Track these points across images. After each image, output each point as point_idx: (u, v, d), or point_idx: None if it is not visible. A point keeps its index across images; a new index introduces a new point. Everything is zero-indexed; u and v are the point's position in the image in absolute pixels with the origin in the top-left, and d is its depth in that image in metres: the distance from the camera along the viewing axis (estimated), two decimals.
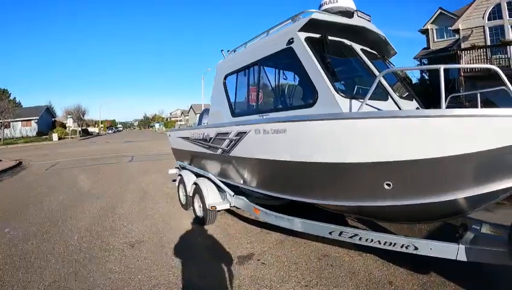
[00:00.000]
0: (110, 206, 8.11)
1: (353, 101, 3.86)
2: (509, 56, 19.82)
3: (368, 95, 3.48)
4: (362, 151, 3.47)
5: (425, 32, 30.42)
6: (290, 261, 4.67)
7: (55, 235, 6.03)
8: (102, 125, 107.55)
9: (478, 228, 4.02)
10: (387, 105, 4.21)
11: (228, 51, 6.55)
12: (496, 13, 20.96)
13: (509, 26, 20.53)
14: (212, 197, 6.08)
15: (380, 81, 4.07)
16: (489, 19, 21.25)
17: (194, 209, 6.76)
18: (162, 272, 4.44)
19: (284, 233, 5.52)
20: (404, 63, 32.64)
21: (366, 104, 3.60)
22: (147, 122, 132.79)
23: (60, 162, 18.70)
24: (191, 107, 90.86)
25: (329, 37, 4.40)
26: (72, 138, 56.76)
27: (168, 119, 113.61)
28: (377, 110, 3.83)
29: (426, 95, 15.70)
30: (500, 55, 20.24)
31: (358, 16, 4.84)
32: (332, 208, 4.52)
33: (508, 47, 20.00)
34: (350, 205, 4.02)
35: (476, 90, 4.65)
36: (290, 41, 4.44)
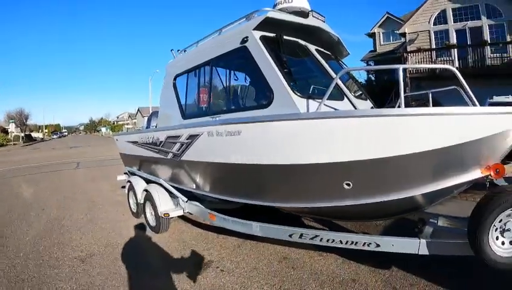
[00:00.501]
0: (56, 217, 7.52)
1: (310, 101, 3.78)
2: (452, 58, 20.92)
3: (327, 95, 3.42)
4: (322, 152, 3.42)
5: (372, 35, 31.52)
6: (250, 266, 4.53)
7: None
8: (46, 131, 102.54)
9: (435, 221, 4.12)
10: (343, 105, 4.19)
11: (178, 50, 6.27)
12: (442, 18, 22.03)
13: (453, 31, 21.63)
14: (165, 204, 5.79)
15: (337, 81, 4.06)
16: (434, 24, 22.31)
17: (146, 217, 6.42)
18: (117, 288, 4.13)
19: (241, 237, 5.35)
20: (351, 65, 33.58)
21: (324, 104, 3.53)
22: (93, 127, 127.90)
23: (2, 171, 17.41)
24: (138, 110, 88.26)
25: (284, 37, 4.32)
26: (15, 144, 53.54)
27: (115, 123, 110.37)
28: (334, 110, 3.79)
29: (372, 95, 16.22)
30: (445, 58, 21.33)
31: (313, 16, 4.79)
32: (291, 210, 4.43)
33: (452, 50, 21.14)
34: (310, 207, 3.96)
35: (420, 90, 4.80)
36: (244, 40, 4.28)
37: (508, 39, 19.52)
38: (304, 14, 4.72)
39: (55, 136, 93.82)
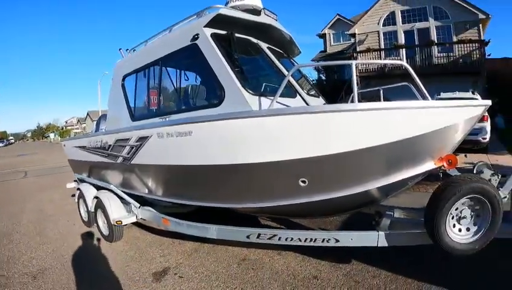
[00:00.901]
0: (4, 231, 6.99)
1: (262, 98, 3.72)
2: (401, 58, 21.85)
3: (279, 92, 3.37)
4: (276, 150, 3.37)
5: (323, 36, 32.31)
6: (209, 270, 4.41)
7: None
8: None
9: (391, 213, 4.20)
10: (296, 102, 4.16)
11: (127, 49, 5.99)
12: (391, 20, 23.00)
13: (402, 32, 22.62)
14: (117, 211, 5.52)
15: (289, 79, 4.02)
16: (383, 25, 23.23)
17: (98, 226, 6.09)
18: None
19: (198, 241, 5.21)
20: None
21: (276, 102, 3.48)
22: (40, 133, 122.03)
23: None
24: (87, 114, 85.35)
25: (236, 34, 4.23)
26: None
27: (64, 128, 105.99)
28: (285, 107, 3.75)
29: (323, 94, 16.65)
30: (393, 57, 22.30)
31: (266, 14, 4.74)
32: (248, 211, 4.35)
33: (400, 50, 22.15)
34: (267, 206, 3.90)
35: (370, 88, 4.92)
36: (195, 38, 4.15)
37: (454, 39, 20.66)
38: (256, 12, 4.66)
39: (1, 144, 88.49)
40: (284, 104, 3.75)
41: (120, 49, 6.14)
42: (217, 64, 3.91)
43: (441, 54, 20.91)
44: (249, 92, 3.70)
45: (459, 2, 20.58)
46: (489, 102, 3.20)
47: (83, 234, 6.38)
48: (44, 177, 15.24)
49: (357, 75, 22.52)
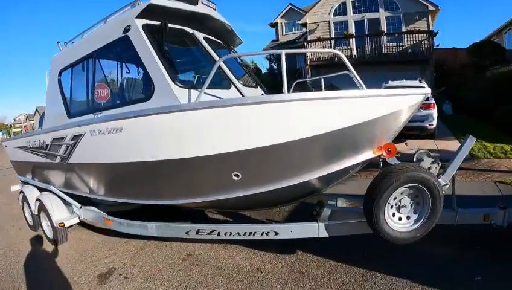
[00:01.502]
0: None
1: (192, 91, 3.64)
2: (351, 47, 22.48)
3: (206, 84, 3.29)
4: (202, 144, 3.33)
5: (275, 25, 32.32)
6: (154, 268, 4.34)
7: None
8: None
9: (334, 203, 4.27)
10: (230, 94, 4.11)
11: (65, 43, 5.68)
12: (341, 10, 23.43)
13: (352, 22, 23.13)
14: (59, 213, 5.32)
15: (222, 69, 3.96)
16: (334, 15, 23.64)
17: (42, 229, 5.86)
18: None
19: (144, 239, 5.11)
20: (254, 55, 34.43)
21: (206, 94, 3.44)
22: None
23: None
24: (36, 110, 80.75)
25: (171, 25, 4.12)
26: None
27: (12, 126, 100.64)
28: (217, 99, 3.70)
29: (275, 84, 16.76)
30: (343, 47, 22.78)
31: (203, 3, 4.65)
32: (187, 206, 4.31)
33: (350, 39, 22.68)
34: (202, 201, 3.88)
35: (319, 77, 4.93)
36: (127, 29, 4.01)
37: (404, 30, 21.39)
38: (193, 1, 4.55)
39: None
40: (217, 96, 3.71)
41: (58, 42, 5.80)
42: (147, 57, 3.80)
43: (391, 44, 21.60)
44: (178, 84, 3.62)
45: None
46: (428, 90, 3.25)
47: (28, 239, 6.12)
48: None
49: (306, 65, 22.95)
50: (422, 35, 20.69)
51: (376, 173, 3.40)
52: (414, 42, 20.85)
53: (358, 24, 23.08)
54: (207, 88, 3.33)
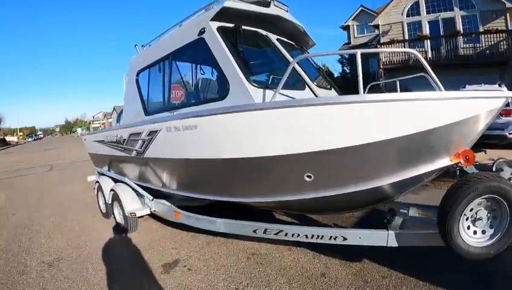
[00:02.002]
0: (26, 222, 7.29)
1: (267, 91, 3.67)
2: (426, 49, 21.22)
3: (281, 84, 3.29)
4: (277, 143, 3.31)
5: (346, 28, 31.64)
6: (218, 263, 4.41)
7: None
8: (21, 134, 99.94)
9: (406, 211, 4.10)
10: (304, 94, 4.10)
11: (142, 45, 6.11)
12: (415, 10, 22.36)
13: (426, 22, 21.97)
14: (131, 204, 5.65)
15: (296, 70, 3.96)
16: (407, 16, 22.64)
17: (114, 218, 6.27)
18: None
19: (211, 235, 5.22)
20: (326, 58, 33.90)
21: (281, 94, 3.44)
22: (68, 128, 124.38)
23: None
24: (113, 109, 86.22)
25: (244, 27, 4.21)
26: None
27: (91, 123, 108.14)
28: (291, 99, 3.69)
29: (348, 87, 16.40)
30: (418, 49, 21.42)
31: (275, 6, 4.70)
32: (256, 205, 4.35)
33: (424, 41, 21.45)
34: (273, 201, 3.88)
35: (393, 84, 4.76)
36: (202, 32, 4.17)
37: (481, 29, 19.90)
38: (265, 3, 4.62)
39: (30, 139, 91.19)
40: (291, 97, 3.70)
41: (136, 45, 6.26)
42: (222, 57, 3.91)
43: (467, 45, 20.13)
44: (253, 84, 3.67)
45: None
46: (510, 93, 2.99)
47: (100, 226, 6.56)
48: (68, 171, 15.70)
49: (380, 68, 22.15)
50: (501, 35, 19.11)
51: (451, 183, 3.20)
52: (492, 43, 19.28)
53: (433, 24, 21.92)
54: (281, 88, 3.33)
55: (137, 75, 5.84)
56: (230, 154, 3.69)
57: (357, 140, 2.97)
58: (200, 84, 5.03)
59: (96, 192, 7.44)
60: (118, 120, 7.37)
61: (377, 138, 2.92)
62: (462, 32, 20.51)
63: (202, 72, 5.13)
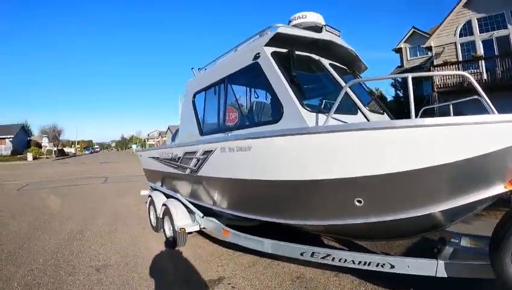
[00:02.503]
0: (79, 228, 7.75)
1: (320, 115, 3.74)
2: (480, 70, 20.20)
3: (334, 108, 3.34)
4: (329, 167, 3.34)
5: (399, 51, 31.10)
6: (263, 284, 4.44)
7: (21, 258, 5.70)
8: (78, 146, 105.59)
9: (457, 241, 3.97)
10: (356, 119, 4.09)
11: (199, 69, 6.42)
12: (467, 30, 21.48)
13: (480, 42, 21.00)
14: (182, 219, 5.84)
15: (348, 95, 3.98)
16: (460, 36, 21.78)
17: (164, 231, 6.49)
18: None
19: (257, 255, 5.26)
20: (379, 82, 33.43)
21: (334, 118, 3.49)
22: (124, 144, 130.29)
23: (33, 182, 18.06)
24: (168, 128, 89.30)
25: (297, 52, 4.30)
26: (48, 157, 55.47)
27: (146, 141, 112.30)
28: (343, 123, 3.71)
29: (401, 111, 16.00)
30: (472, 70, 20.51)
31: (327, 31, 4.78)
32: (306, 229, 4.36)
33: (479, 61, 20.44)
34: (321, 224, 3.86)
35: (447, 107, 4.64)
36: (257, 56, 4.34)
37: None
38: (317, 28, 4.74)
39: (86, 152, 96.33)
40: (344, 121, 3.73)
41: (192, 68, 6.59)
42: (276, 82, 4.02)
43: None
44: (306, 108, 3.74)
45: None
46: None
47: (149, 238, 6.82)
48: (122, 184, 16.47)
49: (434, 91, 21.44)
50: None
51: (505, 212, 3.07)
52: None
53: (487, 44, 20.84)
54: (334, 113, 3.38)
55: (194, 96, 6.10)
56: (283, 177, 3.75)
57: (408, 165, 2.93)
58: (254, 107, 5.17)
59: (148, 206, 7.76)
60: (173, 139, 7.70)
61: (427, 163, 2.86)
62: None
63: (256, 96, 5.28)
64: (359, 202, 3.33)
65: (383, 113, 5.11)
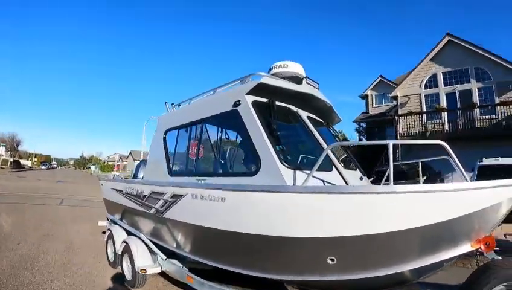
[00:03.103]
0: (31, 255, 7.25)
1: (297, 172, 3.74)
2: (443, 121, 21.46)
3: (315, 168, 3.41)
4: (305, 226, 3.36)
5: (365, 97, 32.49)
6: None
7: None
8: (36, 160, 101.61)
9: None
10: (332, 176, 4.15)
11: (172, 104, 6.29)
12: (432, 82, 22.83)
13: (444, 94, 22.30)
14: (143, 260, 5.56)
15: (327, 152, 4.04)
16: (425, 88, 23.08)
17: (122, 269, 6.14)
18: None
19: None
20: (343, 126, 34.60)
21: (312, 176, 3.51)
22: (83, 163, 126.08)
23: None
24: (130, 153, 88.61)
25: (277, 102, 4.33)
26: (2, 168, 52.86)
27: (106, 163, 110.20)
28: (322, 181, 3.78)
29: (364, 157, 16.42)
30: (435, 120, 21.87)
31: (307, 83, 4.87)
32: (273, 280, 4.28)
33: (441, 113, 21.70)
34: (293, 279, 3.84)
35: (412, 154, 4.87)
36: (237, 104, 4.30)
37: (497, 101, 20.06)
38: (298, 79, 4.80)
39: (43, 167, 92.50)
40: (320, 179, 3.77)
41: (166, 102, 6.45)
42: (255, 133, 3.99)
43: (484, 117, 20.23)
44: (284, 165, 3.74)
45: (501, 62, 20.22)
46: None
47: (105, 274, 6.46)
48: (78, 208, 15.71)
49: (397, 138, 22.15)
50: None
51: (469, 262, 3.18)
52: (508, 114, 19.26)
53: (450, 96, 22.22)
54: (309, 169, 3.44)
55: (166, 133, 5.95)
56: (257, 231, 3.70)
57: (381, 228, 3.03)
58: (230, 155, 5.07)
59: (106, 239, 7.38)
60: (137, 170, 7.45)
61: (400, 226, 2.98)
62: (478, 104, 20.69)
63: (233, 143, 5.22)
64: (332, 260, 3.36)
65: (355, 169, 5.20)
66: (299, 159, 4.18)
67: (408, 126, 22.66)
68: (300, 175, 3.68)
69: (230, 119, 4.57)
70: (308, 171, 3.50)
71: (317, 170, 3.56)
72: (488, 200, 2.90)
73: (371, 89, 31.80)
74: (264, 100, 4.30)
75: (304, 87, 4.77)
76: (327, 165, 4.26)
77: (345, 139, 30.56)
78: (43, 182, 33.61)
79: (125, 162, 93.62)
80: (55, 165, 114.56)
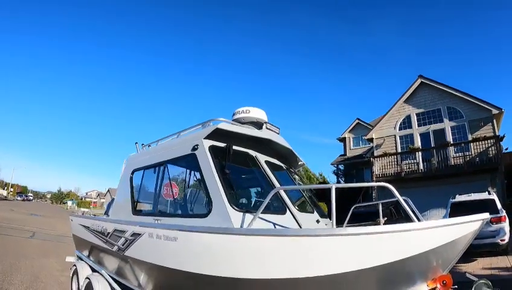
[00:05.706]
0: None
1: (247, 215, 3.86)
2: (417, 161, 22.10)
3: (260, 211, 3.49)
4: (247, 267, 3.42)
5: (343, 140, 33.25)
6: None
7: None
8: (12, 189, 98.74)
9: None
10: (284, 219, 4.24)
11: (142, 144, 6.45)
12: (407, 123, 23.67)
13: (418, 134, 23.11)
14: None
15: (279, 195, 4.19)
16: (400, 129, 23.90)
17: None
18: None
19: None
20: (323, 168, 35.08)
21: (260, 218, 3.63)
22: (60, 197, 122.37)
23: None
24: (108, 190, 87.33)
25: (235, 147, 4.49)
26: None
27: (83, 199, 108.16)
28: (273, 224, 3.88)
29: (342, 197, 16.61)
30: (410, 161, 22.53)
31: (267, 128, 5.06)
32: None
33: (416, 153, 22.40)
34: None
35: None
36: (195, 148, 4.45)
37: (470, 138, 20.76)
38: (258, 124, 5.02)
39: (19, 198, 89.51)
40: (270, 221, 3.89)
41: (136, 143, 6.61)
42: (209, 176, 4.14)
43: (457, 154, 20.89)
44: (234, 208, 3.86)
45: (472, 100, 21.07)
46: (486, 215, 2.97)
47: None
48: (49, 243, 15.41)
49: (373, 180, 22.43)
50: (489, 141, 19.72)
51: None
52: (481, 150, 19.89)
53: (424, 136, 22.97)
54: (262, 213, 3.53)
55: (132, 173, 6.10)
56: (204, 271, 3.77)
57: (328, 270, 3.01)
58: (187, 197, 5.24)
59: (71, 275, 7.32)
60: (108, 207, 7.52)
61: (351, 268, 2.95)
62: (451, 142, 21.39)
63: (190, 186, 5.38)
64: None
65: (313, 212, 5.26)
66: (252, 203, 4.33)
67: (384, 167, 23.22)
68: (249, 218, 3.76)
69: (189, 162, 4.74)
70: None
71: (270, 213, 3.67)
72: (442, 238, 2.89)
73: (349, 132, 32.61)
74: (222, 145, 4.46)
75: (263, 133, 4.96)
76: (280, 208, 4.40)
77: (324, 182, 30.94)
78: (15, 213, 32.57)
79: (102, 200, 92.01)
80: (31, 198, 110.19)
